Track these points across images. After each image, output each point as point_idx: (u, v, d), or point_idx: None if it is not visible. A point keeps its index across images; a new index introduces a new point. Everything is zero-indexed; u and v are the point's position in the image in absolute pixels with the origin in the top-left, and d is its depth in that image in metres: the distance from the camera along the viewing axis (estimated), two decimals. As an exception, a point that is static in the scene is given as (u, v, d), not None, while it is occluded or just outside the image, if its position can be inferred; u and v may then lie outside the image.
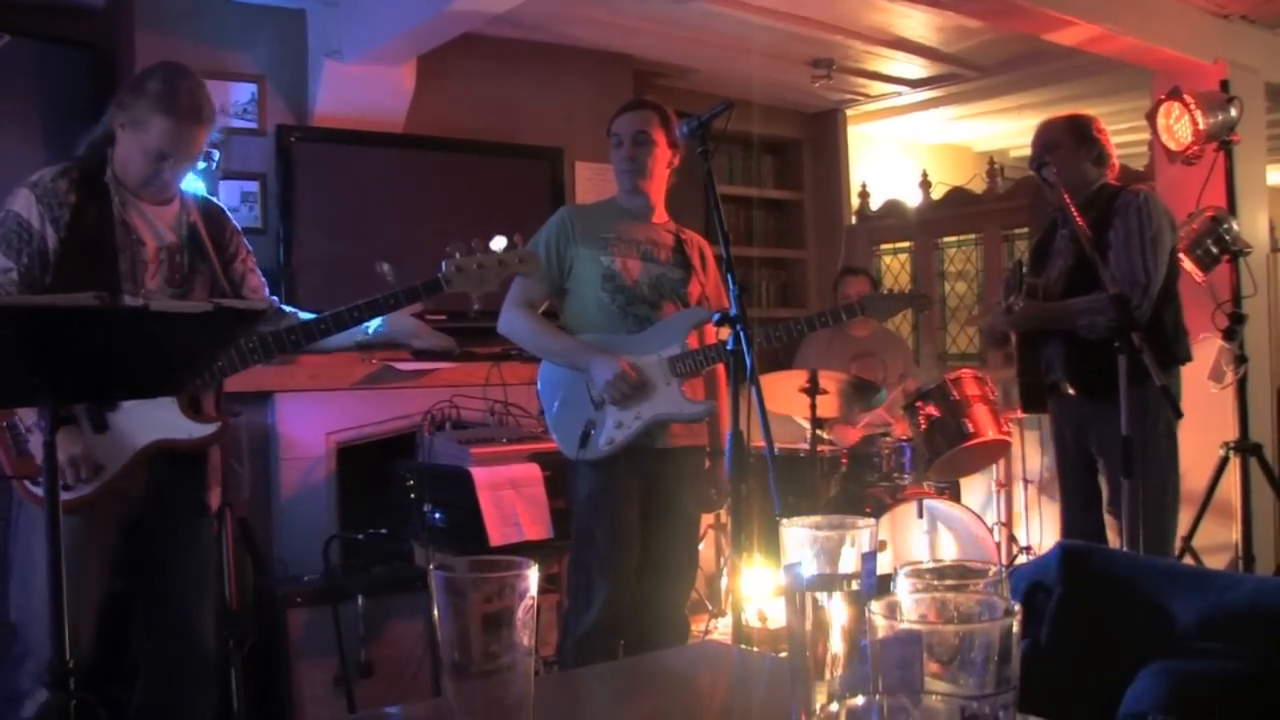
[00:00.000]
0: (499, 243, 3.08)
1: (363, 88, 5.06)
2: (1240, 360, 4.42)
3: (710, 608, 5.55)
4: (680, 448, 3.49)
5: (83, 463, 2.68)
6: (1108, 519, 3.76)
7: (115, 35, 4.89)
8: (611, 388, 3.32)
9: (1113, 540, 3.71)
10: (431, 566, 0.88)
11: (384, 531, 4.29)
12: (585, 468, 3.40)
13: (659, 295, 3.49)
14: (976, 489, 6.10)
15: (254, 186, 4.92)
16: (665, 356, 3.42)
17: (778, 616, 4.74)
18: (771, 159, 7.50)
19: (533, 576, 0.90)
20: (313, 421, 4.79)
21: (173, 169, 2.85)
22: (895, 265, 7.35)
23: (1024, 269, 3.93)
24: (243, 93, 4.93)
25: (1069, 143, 3.83)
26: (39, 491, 2.59)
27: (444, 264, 3.04)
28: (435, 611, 0.89)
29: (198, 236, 2.94)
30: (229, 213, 3.13)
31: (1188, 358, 3.84)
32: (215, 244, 2.99)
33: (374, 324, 3.09)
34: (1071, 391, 3.83)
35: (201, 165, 3.78)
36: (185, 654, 2.96)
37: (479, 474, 4.08)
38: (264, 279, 3.15)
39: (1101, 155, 3.87)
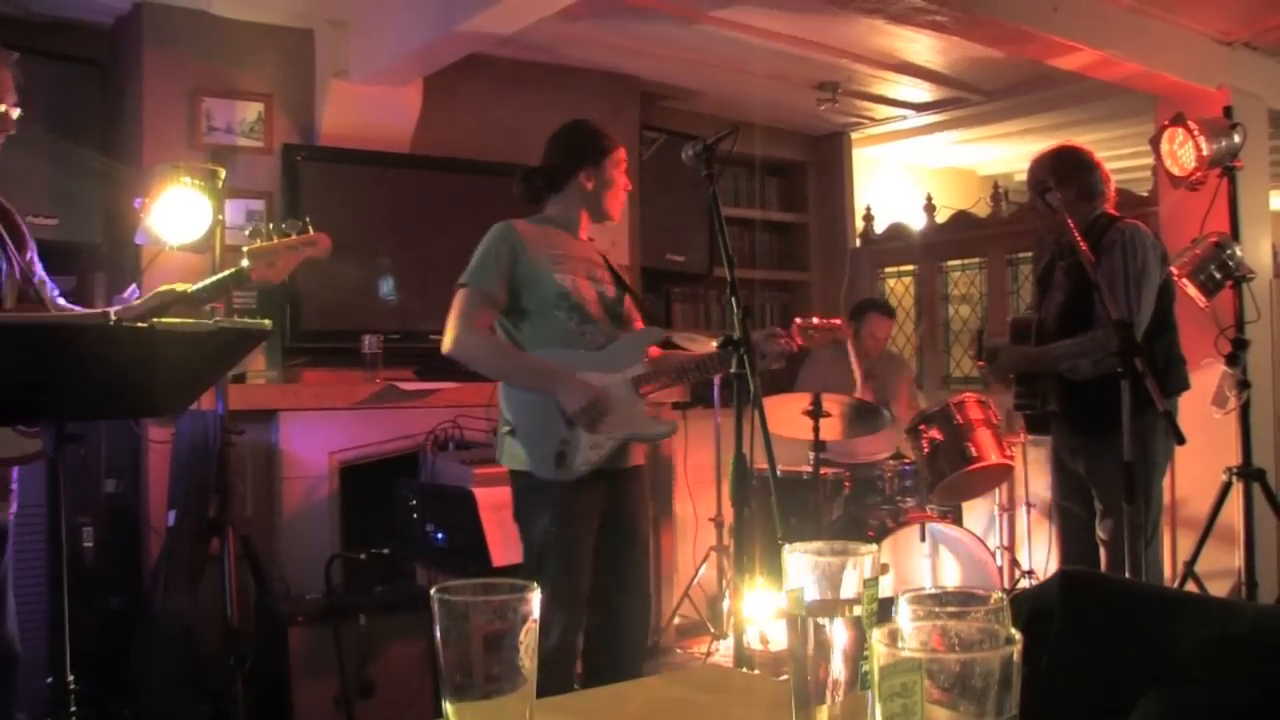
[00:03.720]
0: (293, 226, 3.15)
1: (369, 107, 5.08)
2: (1243, 386, 4.42)
3: (712, 630, 5.54)
4: (638, 466, 3.49)
5: None
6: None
7: (123, 53, 4.92)
8: (584, 415, 3.25)
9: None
10: (434, 590, 0.89)
11: (386, 551, 4.29)
12: (554, 489, 3.29)
13: (605, 314, 3.46)
14: (979, 512, 6.09)
15: (260, 205, 4.93)
16: (629, 376, 3.39)
17: (780, 639, 4.73)
18: (776, 181, 7.51)
19: (535, 599, 0.90)
20: (315, 440, 4.79)
21: None
22: (899, 288, 7.35)
23: (983, 336, 4.20)
24: (249, 111, 4.95)
25: (1057, 184, 3.83)
26: None
27: (245, 250, 3.08)
28: (437, 633, 0.89)
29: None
30: (18, 215, 2.97)
31: (1184, 387, 3.91)
32: (15, 244, 2.87)
33: None
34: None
35: (200, 183, 3.81)
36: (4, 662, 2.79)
37: (482, 494, 4.07)
38: (57, 290, 3.05)
39: (1093, 189, 3.90)
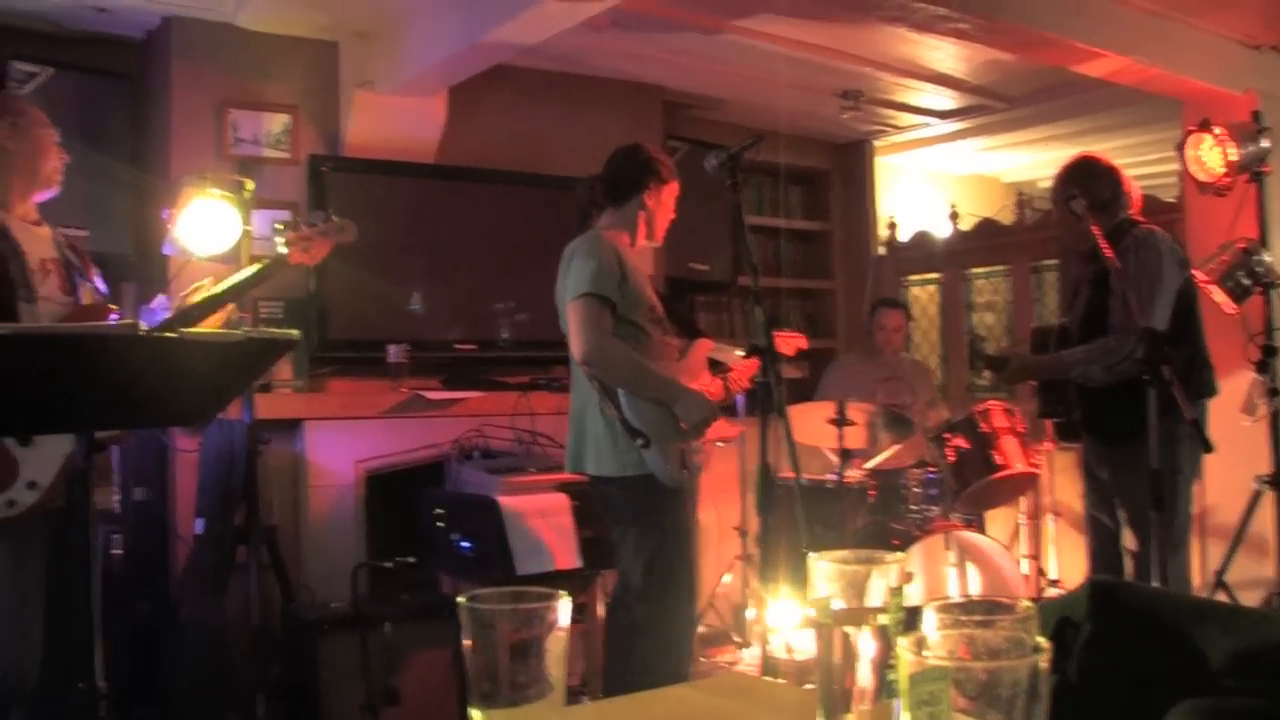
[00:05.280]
0: (318, 216, 3.49)
1: (394, 118, 5.11)
2: (1273, 393, 4.38)
3: (736, 639, 5.53)
4: None
5: None
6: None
7: (152, 66, 4.97)
8: (703, 425, 3.44)
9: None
10: (462, 598, 0.89)
11: (412, 560, 4.30)
12: (677, 494, 3.48)
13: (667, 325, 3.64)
14: (1004, 521, 6.06)
15: (286, 215, 4.95)
16: (704, 385, 3.55)
17: (805, 648, 4.71)
18: (799, 190, 7.50)
19: (563, 608, 0.90)
20: (342, 449, 4.81)
21: None
22: (924, 296, 7.33)
23: (975, 341, 4.31)
24: (276, 123, 4.98)
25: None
26: None
27: (278, 240, 3.38)
28: (465, 641, 0.89)
29: (70, 258, 3.08)
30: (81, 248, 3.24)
31: (1210, 393, 3.87)
32: (82, 272, 3.12)
33: None
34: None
35: (227, 194, 3.90)
36: (72, 671, 2.88)
37: (507, 503, 4.08)
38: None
39: (1101, 199, 3.87)
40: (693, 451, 3.48)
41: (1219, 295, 4.27)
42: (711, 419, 3.45)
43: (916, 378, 5.80)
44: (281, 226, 3.42)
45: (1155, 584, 3.30)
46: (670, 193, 3.67)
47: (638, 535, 3.49)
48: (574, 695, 3.99)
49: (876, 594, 0.95)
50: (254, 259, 3.73)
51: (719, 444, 3.80)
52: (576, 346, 3.40)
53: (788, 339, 3.97)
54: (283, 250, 3.32)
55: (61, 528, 2.82)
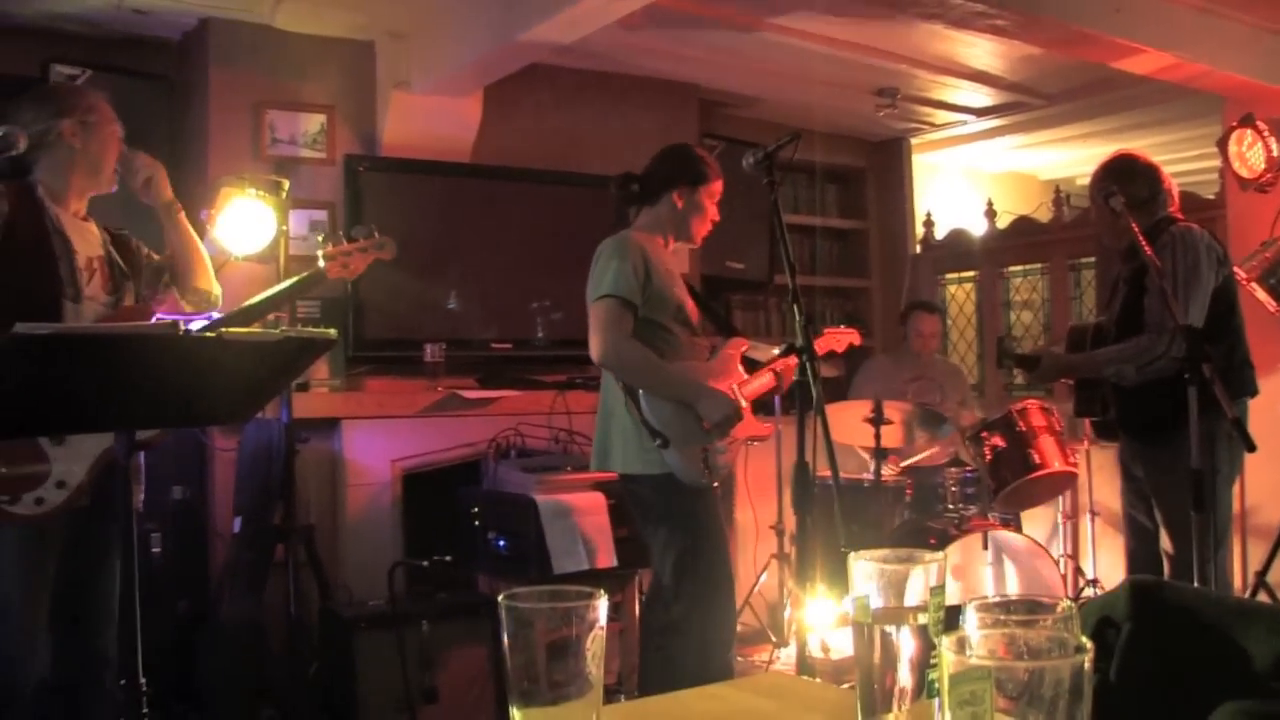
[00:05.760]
0: (360, 231, 3.48)
1: (430, 118, 5.13)
2: (1315, 392, 4.33)
3: (773, 638, 5.52)
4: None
5: None
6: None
7: (189, 68, 5.01)
8: (726, 424, 3.42)
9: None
10: (501, 596, 0.89)
11: (448, 558, 4.32)
12: (702, 493, 3.46)
13: (698, 324, 3.64)
14: (1042, 520, 6.02)
15: (323, 215, 4.99)
16: (735, 384, 3.51)
17: (841, 647, 4.70)
18: (835, 188, 7.47)
19: (601, 606, 0.90)
20: (379, 448, 4.84)
21: None
22: (960, 295, 7.29)
23: (1003, 340, 4.27)
24: (312, 123, 5.01)
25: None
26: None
27: (319, 253, 3.40)
28: (504, 639, 0.90)
29: (114, 257, 3.07)
30: (137, 242, 3.24)
31: (1253, 391, 3.82)
32: (132, 270, 3.12)
33: None
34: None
35: (264, 194, 3.95)
36: (97, 666, 2.86)
37: (543, 502, 4.09)
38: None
39: (1137, 198, 3.81)
40: (717, 451, 3.46)
41: (1261, 293, 4.23)
42: (735, 418, 3.43)
43: (946, 378, 5.77)
44: (322, 238, 3.43)
45: (1207, 581, 3.27)
46: (708, 195, 3.64)
47: (666, 533, 3.49)
48: (610, 694, 4.01)
49: (915, 593, 0.94)
50: (291, 260, 3.77)
51: (750, 442, 3.76)
52: (594, 348, 3.44)
53: (840, 335, 3.98)
54: (322, 264, 3.35)
55: (87, 525, 2.81)
